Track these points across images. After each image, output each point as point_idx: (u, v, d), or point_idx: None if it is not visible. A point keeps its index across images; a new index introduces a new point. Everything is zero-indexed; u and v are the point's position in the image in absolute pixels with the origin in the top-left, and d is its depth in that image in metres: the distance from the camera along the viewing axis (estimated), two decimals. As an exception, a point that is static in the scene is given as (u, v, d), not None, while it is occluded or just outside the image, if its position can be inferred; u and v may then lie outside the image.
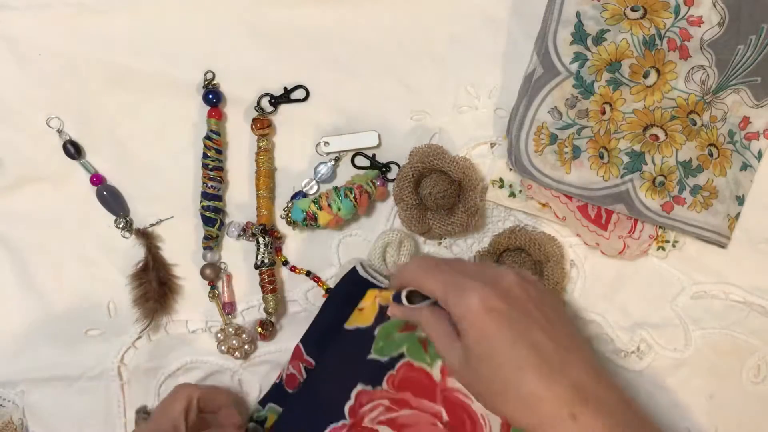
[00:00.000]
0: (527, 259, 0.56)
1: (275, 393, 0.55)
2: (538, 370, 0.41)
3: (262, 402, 0.56)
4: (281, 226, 0.57)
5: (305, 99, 0.57)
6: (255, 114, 0.56)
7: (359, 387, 0.51)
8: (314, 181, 0.57)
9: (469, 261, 0.54)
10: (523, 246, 0.55)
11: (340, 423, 0.51)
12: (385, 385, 0.51)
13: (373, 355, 0.52)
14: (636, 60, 0.53)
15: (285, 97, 0.57)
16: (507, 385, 0.41)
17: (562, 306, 0.54)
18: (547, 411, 0.40)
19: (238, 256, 0.57)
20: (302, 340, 0.54)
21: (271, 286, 0.56)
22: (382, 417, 0.51)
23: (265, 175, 0.56)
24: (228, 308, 0.57)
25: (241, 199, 0.57)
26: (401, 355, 0.52)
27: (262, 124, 0.56)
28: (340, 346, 0.52)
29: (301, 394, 0.53)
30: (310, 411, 0.52)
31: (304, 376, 0.54)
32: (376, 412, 0.51)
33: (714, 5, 0.52)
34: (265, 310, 0.56)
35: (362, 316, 0.52)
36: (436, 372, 0.52)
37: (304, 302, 0.58)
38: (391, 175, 0.57)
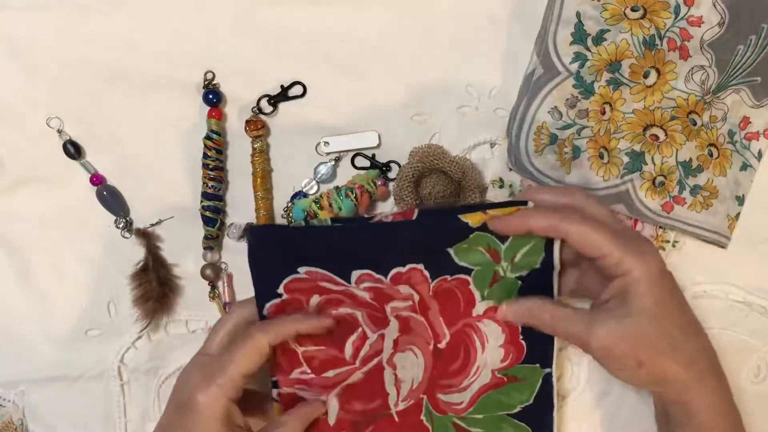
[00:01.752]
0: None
1: (355, 221, 0.53)
2: (696, 333, 0.47)
3: (335, 221, 0.52)
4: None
5: (303, 95, 0.57)
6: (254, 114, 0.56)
7: (412, 265, 0.49)
8: (314, 181, 0.57)
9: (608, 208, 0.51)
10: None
11: (366, 272, 0.49)
12: (432, 284, 0.49)
13: (450, 250, 0.48)
14: (636, 60, 0.53)
15: (282, 95, 0.57)
16: (674, 344, 0.45)
17: None
18: (701, 366, 0.46)
19: (239, 256, 0.57)
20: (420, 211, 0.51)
21: (271, 286, 0.56)
22: (401, 308, 0.49)
23: (262, 176, 0.56)
24: (229, 308, 0.57)
25: (241, 199, 0.57)
26: (466, 270, 0.49)
27: (255, 126, 0.56)
28: (440, 225, 0.48)
29: (373, 226, 0.49)
30: (370, 243, 0.49)
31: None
32: (401, 303, 0.49)
33: (714, 5, 0.52)
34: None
35: (476, 216, 0.48)
36: (480, 306, 0.50)
37: (304, 302, 0.58)
38: (391, 175, 0.57)
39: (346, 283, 0.49)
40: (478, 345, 0.50)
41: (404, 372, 0.50)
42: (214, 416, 0.44)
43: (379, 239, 0.48)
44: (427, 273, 0.49)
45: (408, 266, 0.49)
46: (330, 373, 0.49)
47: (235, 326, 0.49)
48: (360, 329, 0.49)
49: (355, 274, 0.49)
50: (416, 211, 0.50)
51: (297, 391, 0.50)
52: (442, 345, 0.50)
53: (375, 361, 0.50)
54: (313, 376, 0.49)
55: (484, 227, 0.48)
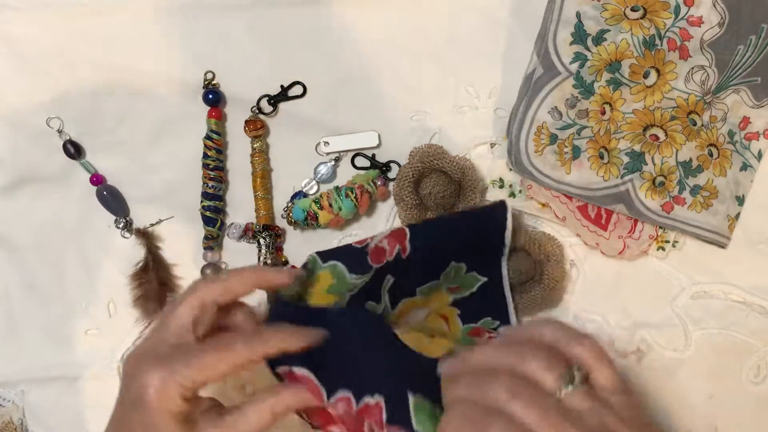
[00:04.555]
0: (527, 259, 0.56)
1: (349, 255, 0.46)
2: None
3: (323, 256, 0.46)
4: (281, 224, 0.57)
5: (303, 95, 0.57)
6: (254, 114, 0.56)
7: (379, 398, 0.42)
8: (314, 181, 0.57)
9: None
10: (523, 246, 0.55)
11: (346, 396, 0.42)
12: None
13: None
14: (636, 60, 0.53)
15: (282, 95, 0.57)
16: None
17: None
18: None
19: (239, 256, 0.57)
20: (410, 226, 0.48)
21: (271, 286, 0.56)
22: None
23: (261, 176, 0.56)
24: (228, 308, 0.57)
25: (241, 199, 0.57)
26: None
27: (255, 126, 0.56)
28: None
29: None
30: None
31: (394, 257, 0.46)
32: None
33: (714, 5, 0.52)
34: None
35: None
36: None
37: (304, 302, 0.58)
38: (391, 175, 0.57)
39: (325, 400, 0.43)
40: None
41: None
42: (170, 414, 0.38)
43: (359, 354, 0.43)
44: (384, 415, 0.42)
45: (376, 398, 0.42)
46: None
47: (202, 308, 0.41)
48: None
49: (337, 394, 0.43)
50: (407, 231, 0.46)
51: None
52: None
53: None
54: None
55: None
